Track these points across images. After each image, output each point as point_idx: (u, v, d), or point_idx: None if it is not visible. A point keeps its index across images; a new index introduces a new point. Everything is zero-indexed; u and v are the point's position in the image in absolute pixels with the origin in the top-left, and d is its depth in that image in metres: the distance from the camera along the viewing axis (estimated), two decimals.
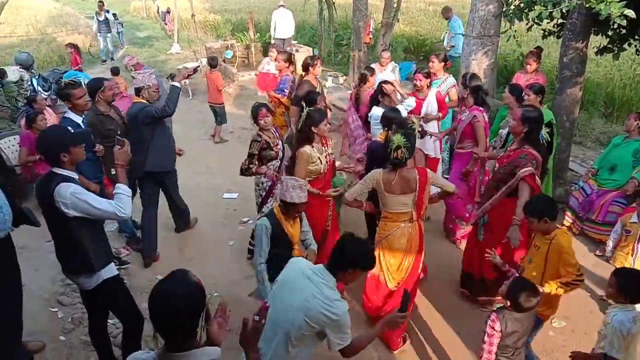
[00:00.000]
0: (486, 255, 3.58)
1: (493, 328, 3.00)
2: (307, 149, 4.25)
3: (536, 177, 3.86)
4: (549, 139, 4.14)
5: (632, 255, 4.23)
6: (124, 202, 3.16)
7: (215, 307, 2.07)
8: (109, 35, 15.14)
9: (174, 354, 1.89)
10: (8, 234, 3.22)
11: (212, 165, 7.81)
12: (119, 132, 4.63)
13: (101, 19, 14.93)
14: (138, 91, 5.01)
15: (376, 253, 3.89)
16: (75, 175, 3.12)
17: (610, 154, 5.42)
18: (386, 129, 4.62)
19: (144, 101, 4.99)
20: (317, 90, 6.03)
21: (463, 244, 5.43)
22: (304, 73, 6.37)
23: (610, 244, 4.44)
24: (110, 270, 3.34)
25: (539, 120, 3.96)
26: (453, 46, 10.14)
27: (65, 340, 4.01)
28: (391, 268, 3.94)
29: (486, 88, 5.98)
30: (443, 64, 6.34)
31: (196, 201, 6.61)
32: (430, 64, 6.28)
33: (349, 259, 2.66)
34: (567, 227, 5.53)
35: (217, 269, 5.01)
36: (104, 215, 3.15)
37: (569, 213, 5.57)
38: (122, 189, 3.21)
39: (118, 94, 7.81)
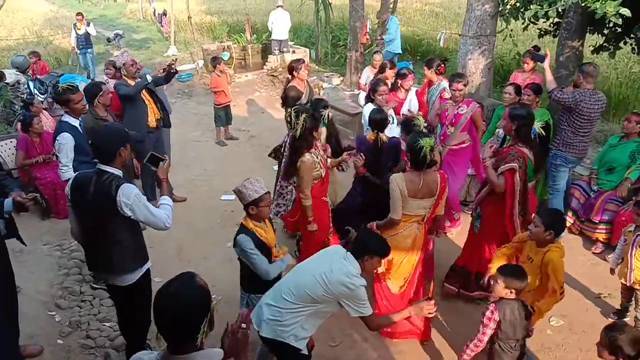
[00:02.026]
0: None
1: (490, 318, 3.12)
2: (308, 157, 4.19)
3: (516, 175, 3.84)
4: (543, 133, 4.16)
5: (626, 267, 4.00)
6: (169, 212, 3.29)
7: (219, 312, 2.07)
8: (89, 50, 13.00)
9: (176, 356, 1.89)
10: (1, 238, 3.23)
11: (209, 167, 7.80)
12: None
13: (80, 32, 12.75)
14: (119, 71, 5.82)
15: None
16: (121, 173, 3.20)
17: (607, 155, 5.41)
18: (376, 131, 4.65)
19: (127, 80, 5.78)
20: (302, 92, 6.14)
21: (453, 234, 5.53)
22: (290, 77, 6.34)
23: (614, 256, 4.21)
24: (148, 263, 3.49)
25: (527, 116, 3.98)
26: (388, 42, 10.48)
27: (63, 343, 3.98)
28: (390, 267, 3.91)
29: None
30: (434, 70, 6.27)
31: (194, 203, 6.62)
32: (424, 71, 6.33)
33: (366, 246, 3.06)
34: (567, 227, 5.53)
35: (216, 270, 5.00)
36: (156, 223, 3.19)
37: (569, 213, 5.56)
38: (167, 200, 3.37)
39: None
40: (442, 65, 6.14)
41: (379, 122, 4.66)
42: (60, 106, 4.71)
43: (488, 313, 3.14)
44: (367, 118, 5.29)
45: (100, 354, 3.92)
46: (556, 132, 5.49)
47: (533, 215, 3.64)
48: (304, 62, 6.49)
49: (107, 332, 4.15)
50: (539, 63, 5.52)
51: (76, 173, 3.41)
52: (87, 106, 4.81)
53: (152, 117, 5.97)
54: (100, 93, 4.94)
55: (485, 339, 3.19)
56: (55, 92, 4.64)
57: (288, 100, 5.82)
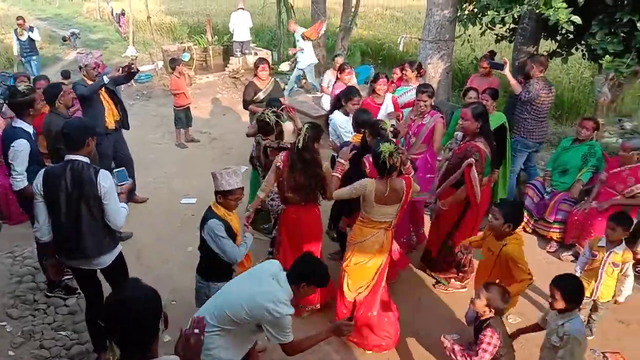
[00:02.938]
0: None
1: (490, 343, 3.02)
2: (326, 163, 4.25)
3: (473, 168, 4.06)
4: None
5: (595, 281, 3.94)
6: (124, 215, 3.54)
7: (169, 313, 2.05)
8: (34, 58, 11.92)
9: None
10: None
11: (169, 170, 7.66)
12: None
13: (23, 39, 11.57)
14: (80, 69, 5.76)
15: (346, 255, 3.98)
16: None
17: (560, 158, 5.59)
18: (363, 130, 4.60)
19: (85, 80, 5.67)
20: (263, 91, 6.45)
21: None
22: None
23: (578, 268, 4.15)
24: (120, 246, 3.76)
25: (486, 113, 4.30)
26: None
27: (14, 355, 3.82)
28: (352, 273, 3.92)
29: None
30: (416, 72, 6.39)
31: (154, 207, 6.48)
32: (404, 71, 6.40)
33: (306, 274, 2.90)
34: (521, 226, 5.69)
35: (176, 274, 4.92)
36: (118, 215, 3.46)
37: (524, 212, 5.71)
38: (124, 205, 3.59)
39: (74, 97, 7.56)
40: (423, 68, 6.33)
41: (366, 121, 4.60)
42: (18, 110, 4.32)
43: (488, 339, 3.03)
44: (337, 125, 5.34)
45: None
46: (516, 121, 5.93)
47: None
48: (265, 62, 6.63)
49: (63, 341, 4.01)
50: (499, 71, 5.69)
51: (43, 169, 3.55)
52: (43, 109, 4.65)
53: (111, 118, 5.88)
54: (61, 93, 4.80)
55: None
56: (15, 94, 4.28)
57: (243, 95, 6.25)
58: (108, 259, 3.60)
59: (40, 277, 4.76)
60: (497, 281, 3.49)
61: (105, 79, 5.67)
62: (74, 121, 3.70)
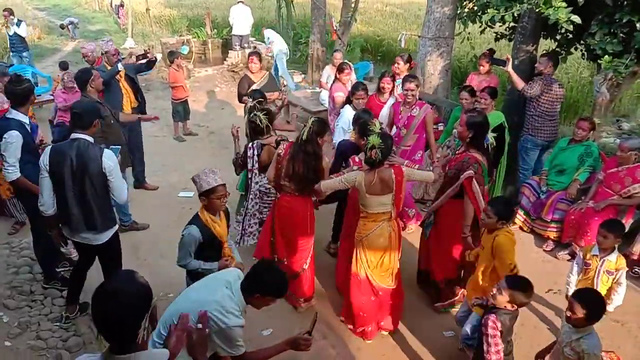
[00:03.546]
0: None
1: (495, 329, 2.99)
2: (326, 158, 4.23)
3: (474, 181, 3.93)
4: (494, 143, 4.23)
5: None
6: (125, 191, 3.85)
7: (161, 311, 2.04)
8: (24, 54, 11.03)
9: (118, 356, 1.84)
10: None
11: (167, 163, 7.65)
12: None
13: (10, 33, 10.73)
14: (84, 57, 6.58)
15: (356, 252, 3.97)
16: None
17: (557, 158, 5.61)
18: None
19: (106, 66, 6.21)
20: (257, 84, 6.50)
21: (413, 229, 5.60)
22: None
23: (571, 278, 4.08)
24: (117, 225, 4.03)
25: (483, 125, 4.09)
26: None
27: (11, 345, 3.83)
28: (371, 265, 3.93)
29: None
30: (408, 64, 6.49)
31: (151, 200, 6.48)
32: (396, 65, 6.47)
33: (257, 284, 2.74)
34: (518, 226, 5.73)
35: (173, 269, 4.88)
36: (123, 192, 3.79)
37: (520, 212, 5.74)
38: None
39: (72, 88, 7.55)
40: (413, 61, 6.38)
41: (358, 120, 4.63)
42: (15, 100, 4.27)
43: (491, 324, 3.00)
44: (346, 119, 5.37)
45: (52, 356, 3.79)
46: (525, 119, 5.98)
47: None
48: (254, 54, 6.78)
49: (59, 333, 4.02)
50: (501, 67, 5.70)
51: (51, 145, 3.83)
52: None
53: (128, 104, 6.22)
54: (92, 78, 5.03)
55: (501, 347, 3.02)
56: (13, 82, 4.29)
57: (238, 91, 6.37)
58: (105, 236, 3.87)
59: (37, 268, 4.76)
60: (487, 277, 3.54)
61: (120, 66, 6.07)
62: (84, 102, 4.03)
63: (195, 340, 2.07)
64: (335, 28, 10.66)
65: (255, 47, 12.30)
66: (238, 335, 2.68)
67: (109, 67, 6.16)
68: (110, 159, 3.63)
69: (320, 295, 4.73)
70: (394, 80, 5.99)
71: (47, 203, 3.71)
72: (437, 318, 4.44)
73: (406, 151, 5.46)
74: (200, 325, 2.10)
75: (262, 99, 5.22)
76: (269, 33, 11.25)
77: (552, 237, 5.47)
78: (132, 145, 6.11)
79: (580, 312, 2.86)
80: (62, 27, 17.21)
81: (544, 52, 6.68)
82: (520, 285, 3.03)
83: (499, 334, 3.00)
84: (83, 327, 4.11)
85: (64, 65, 8.65)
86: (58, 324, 4.13)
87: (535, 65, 5.91)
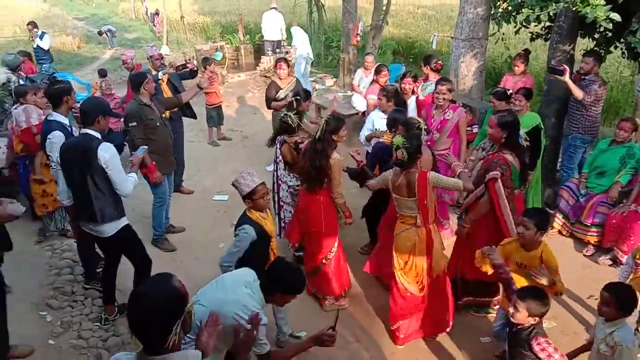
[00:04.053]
0: (488, 254, 3.51)
1: (550, 355, 2.86)
2: (336, 155, 4.23)
3: (498, 182, 3.83)
4: (527, 138, 4.16)
5: None
6: (132, 184, 3.95)
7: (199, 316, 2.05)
8: (45, 66, 11.20)
9: (152, 356, 1.87)
10: None
11: (202, 168, 7.78)
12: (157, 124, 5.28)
13: (34, 45, 11.03)
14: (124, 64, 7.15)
15: (393, 248, 3.99)
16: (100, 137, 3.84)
17: (597, 160, 5.45)
18: (393, 130, 4.65)
19: (151, 70, 6.71)
20: (283, 90, 6.49)
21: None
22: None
23: (621, 278, 3.94)
24: (125, 219, 4.08)
25: (515, 123, 4.01)
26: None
27: (54, 344, 3.95)
28: (399, 266, 3.94)
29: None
30: (429, 67, 6.41)
31: (186, 204, 6.60)
32: (424, 68, 6.46)
33: (275, 283, 2.80)
34: (557, 230, 5.59)
35: (208, 271, 4.96)
36: (123, 184, 3.84)
37: (559, 216, 5.60)
38: (132, 175, 4.03)
39: (110, 94, 7.78)
40: (440, 62, 6.27)
41: (397, 119, 4.64)
42: (51, 101, 4.57)
43: (545, 351, 2.86)
44: (371, 121, 5.49)
45: (92, 355, 3.89)
46: (571, 118, 5.96)
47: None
48: (282, 60, 6.77)
49: (99, 333, 4.13)
50: (557, 76, 5.59)
51: (62, 141, 4.05)
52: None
53: None
54: (146, 81, 5.20)
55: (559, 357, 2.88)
56: (49, 84, 4.76)
57: (265, 97, 6.41)
58: (110, 228, 3.95)
59: (78, 269, 4.91)
60: None
61: (160, 75, 6.42)
62: (90, 99, 4.24)
63: (243, 339, 2.09)
64: (358, 33, 10.60)
65: (287, 52, 12.40)
66: (261, 334, 2.71)
67: (153, 71, 6.54)
68: (106, 152, 3.71)
69: (353, 298, 4.72)
70: (415, 80, 6.00)
71: (62, 193, 4.10)
72: (474, 324, 4.37)
73: (441, 156, 5.37)
74: (249, 327, 2.11)
75: (299, 98, 5.45)
76: (296, 33, 11.15)
77: (593, 242, 5.31)
78: (175, 148, 6.20)
79: (611, 305, 2.86)
80: (99, 33, 17.74)
81: (582, 51, 6.53)
82: (533, 295, 2.94)
83: (551, 348, 2.88)
84: (122, 327, 4.21)
85: (102, 73, 8.89)
86: (98, 324, 4.24)
87: (581, 65, 5.80)
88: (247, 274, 2.93)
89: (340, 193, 4.33)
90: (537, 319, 2.92)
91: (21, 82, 7.96)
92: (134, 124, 5.11)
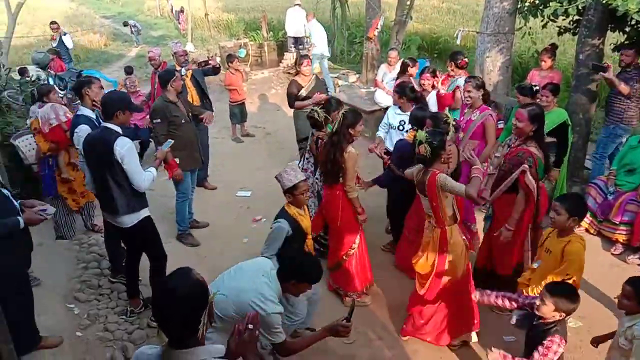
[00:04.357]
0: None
1: (556, 352, 2.79)
2: (351, 148, 4.21)
3: (527, 175, 3.83)
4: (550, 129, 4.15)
5: None
6: (149, 178, 3.94)
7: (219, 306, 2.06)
8: (70, 64, 11.42)
9: (177, 350, 1.90)
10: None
11: (225, 164, 7.85)
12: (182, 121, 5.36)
13: (55, 44, 11.25)
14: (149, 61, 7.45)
15: None
16: (121, 131, 3.86)
17: (627, 156, 5.32)
18: (415, 128, 4.60)
19: (175, 66, 6.84)
20: (305, 88, 6.25)
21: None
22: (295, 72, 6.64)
23: None
24: (146, 211, 4.09)
25: (542, 116, 4.00)
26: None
27: (81, 336, 4.04)
28: (418, 256, 3.89)
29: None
30: (454, 63, 6.30)
31: (210, 199, 6.67)
32: (449, 66, 6.37)
33: (293, 272, 2.86)
34: (584, 228, 5.48)
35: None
36: (138, 178, 3.84)
37: (587, 212, 5.49)
38: (152, 170, 4.03)
39: (134, 92, 7.90)
40: (464, 60, 6.23)
41: (420, 119, 4.59)
42: (77, 95, 4.94)
43: (556, 347, 2.76)
44: (388, 117, 5.44)
45: (117, 347, 3.97)
46: (612, 109, 5.89)
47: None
48: (307, 57, 6.54)
49: (124, 326, 4.20)
50: (601, 73, 5.49)
51: (87, 134, 4.12)
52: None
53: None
54: (173, 79, 5.30)
55: None
56: (78, 76, 4.86)
57: (287, 94, 6.28)
58: (129, 220, 3.98)
59: (105, 263, 5.01)
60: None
61: (183, 71, 6.59)
62: (110, 94, 4.23)
63: (246, 339, 2.11)
64: (377, 28, 10.49)
65: (307, 49, 12.40)
66: (276, 322, 2.77)
67: (178, 67, 6.72)
68: (122, 147, 3.71)
69: (376, 295, 4.71)
70: (434, 76, 5.92)
71: (89, 183, 4.31)
72: (496, 323, 4.31)
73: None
74: (251, 326, 2.14)
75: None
76: (314, 27, 11.00)
77: (622, 240, 5.19)
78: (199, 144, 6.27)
79: (632, 297, 2.83)
80: (125, 24, 18.04)
81: (612, 45, 6.37)
82: (563, 291, 2.82)
83: (562, 351, 2.82)
84: (147, 320, 4.29)
85: (129, 70, 9.04)
86: (123, 317, 4.33)
87: (621, 58, 5.70)
88: (265, 263, 2.99)
89: (353, 187, 4.28)
90: (562, 314, 2.80)
91: (50, 80, 8.16)
92: (158, 120, 5.20)
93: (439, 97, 5.87)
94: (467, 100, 5.13)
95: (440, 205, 3.61)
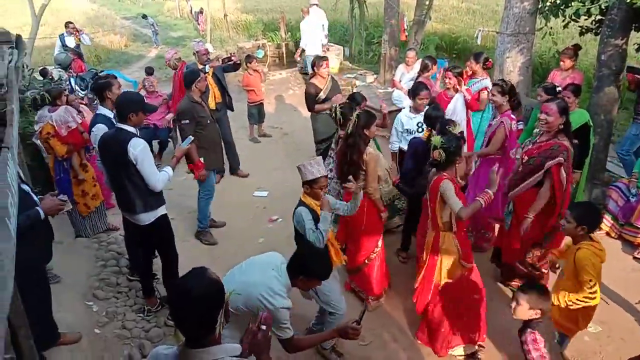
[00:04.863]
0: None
1: (537, 342, 2.89)
2: (372, 150, 4.21)
3: (562, 169, 3.83)
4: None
5: None
6: (164, 178, 3.96)
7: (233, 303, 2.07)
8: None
9: (194, 350, 1.90)
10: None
11: (242, 164, 7.87)
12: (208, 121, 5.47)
13: (72, 45, 10.71)
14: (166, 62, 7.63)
15: None
16: (136, 132, 3.91)
17: None
18: (429, 127, 4.58)
19: (197, 64, 6.97)
20: (323, 90, 6.16)
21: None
22: (312, 73, 6.44)
23: None
24: (163, 209, 4.14)
25: (568, 110, 4.03)
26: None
27: (100, 333, 4.09)
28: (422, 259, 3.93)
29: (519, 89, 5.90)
30: (481, 64, 6.23)
31: (226, 199, 6.70)
32: (469, 63, 6.28)
33: (302, 267, 2.84)
34: (605, 232, 5.38)
35: None
36: (152, 178, 3.86)
37: (607, 217, 5.39)
38: (168, 169, 4.05)
39: (153, 92, 7.98)
40: (490, 60, 6.19)
41: (433, 119, 4.57)
42: (99, 95, 5.03)
43: (533, 345, 2.88)
44: (399, 121, 5.39)
45: (135, 345, 4.02)
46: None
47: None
48: (326, 59, 6.44)
49: (142, 324, 4.25)
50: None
51: (102, 133, 4.17)
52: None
53: (212, 100, 6.84)
54: (198, 79, 5.38)
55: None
56: (96, 79, 5.24)
57: (305, 97, 6.21)
58: (146, 217, 4.02)
59: (123, 261, 5.07)
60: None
61: (207, 69, 6.84)
62: (124, 94, 4.26)
63: (260, 339, 2.11)
64: (406, 27, 10.49)
65: (327, 49, 12.39)
66: (284, 317, 2.76)
67: (200, 66, 6.87)
68: (135, 147, 3.73)
69: (392, 298, 4.69)
70: (459, 75, 5.83)
71: (107, 182, 4.52)
72: (507, 326, 4.25)
73: (491, 160, 5.00)
74: (264, 327, 2.14)
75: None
76: (306, 25, 10.79)
77: None
78: (223, 136, 6.51)
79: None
80: (144, 16, 18.27)
81: (635, 45, 6.24)
82: (533, 288, 2.96)
83: (542, 348, 2.87)
84: (164, 319, 4.33)
85: (149, 70, 9.11)
86: (141, 315, 4.37)
87: None
88: (276, 257, 2.99)
89: (375, 188, 4.27)
90: (538, 312, 2.90)
91: (72, 80, 8.28)
92: (187, 121, 5.26)
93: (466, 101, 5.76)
94: (492, 103, 5.09)
95: (436, 208, 3.64)
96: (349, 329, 2.76)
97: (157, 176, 3.90)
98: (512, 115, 4.92)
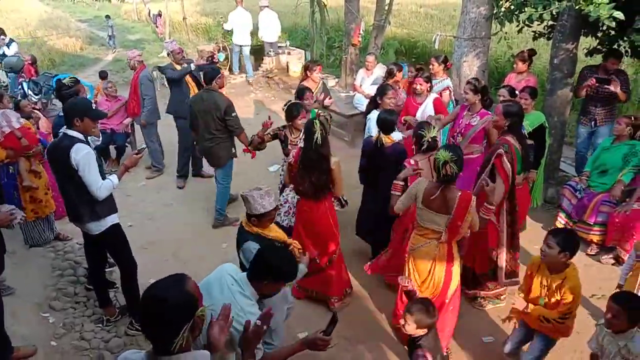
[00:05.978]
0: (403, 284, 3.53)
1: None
2: (336, 158, 4.22)
3: (504, 158, 3.94)
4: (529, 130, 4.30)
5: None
6: (107, 186, 3.78)
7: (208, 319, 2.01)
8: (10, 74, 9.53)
9: (161, 357, 1.86)
10: None
11: (205, 167, 7.75)
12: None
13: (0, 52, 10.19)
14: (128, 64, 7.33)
15: (407, 261, 3.81)
16: (83, 138, 3.74)
17: (600, 158, 5.43)
18: (379, 131, 4.62)
19: (173, 65, 6.96)
20: (314, 93, 6.11)
21: None
22: (304, 75, 6.65)
23: (624, 270, 3.97)
24: (114, 218, 3.98)
25: (519, 114, 4.16)
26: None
27: (56, 345, 3.96)
28: (419, 281, 3.76)
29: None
30: (443, 65, 6.45)
31: (190, 203, 6.60)
32: (431, 66, 6.46)
33: (267, 270, 2.64)
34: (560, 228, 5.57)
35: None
36: (93, 185, 3.69)
37: (561, 215, 5.58)
38: (113, 178, 3.87)
39: (115, 97, 7.79)
40: (450, 62, 6.46)
41: (383, 122, 4.61)
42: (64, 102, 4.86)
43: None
44: (372, 124, 5.34)
45: (94, 356, 3.90)
46: (607, 110, 6.20)
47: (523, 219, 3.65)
48: (318, 63, 6.73)
49: (101, 334, 4.13)
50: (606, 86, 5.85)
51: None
52: None
53: None
54: (219, 75, 5.69)
55: None
56: (61, 87, 5.11)
57: (297, 92, 6.08)
58: (95, 227, 3.90)
59: (80, 271, 4.92)
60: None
61: (192, 66, 6.95)
62: (70, 101, 4.07)
63: (250, 334, 2.05)
64: (360, 34, 10.55)
65: (289, 53, 12.41)
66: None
67: (176, 66, 6.94)
68: (77, 153, 3.60)
69: (356, 299, 4.71)
70: (428, 81, 5.90)
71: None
72: (475, 324, 4.35)
73: (470, 160, 5.00)
74: (259, 323, 2.07)
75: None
76: (234, 16, 11.72)
77: (596, 241, 5.28)
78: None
79: (622, 317, 2.78)
80: (107, 17, 18.00)
81: (585, 50, 6.50)
82: (419, 308, 3.03)
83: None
84: (124, 328, 4.22)
85: (103, 75, 8.90)
86: (100, 325, 4.25)
87: (607, 65, 5.92)
88: (228, 270, 2.74)
89: (342, 192, 4.44)
90: (425, 330, 3.02)
91: (24, 85, 8.00)
92: (235, 113, 5.67)
93: (436, 105, 5.83)
94: (465, 102, 5.20)
95: (463, 224, 3.53)
96: (317, 340, 2.59)
97: (99, 184, 3.71)
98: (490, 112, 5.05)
